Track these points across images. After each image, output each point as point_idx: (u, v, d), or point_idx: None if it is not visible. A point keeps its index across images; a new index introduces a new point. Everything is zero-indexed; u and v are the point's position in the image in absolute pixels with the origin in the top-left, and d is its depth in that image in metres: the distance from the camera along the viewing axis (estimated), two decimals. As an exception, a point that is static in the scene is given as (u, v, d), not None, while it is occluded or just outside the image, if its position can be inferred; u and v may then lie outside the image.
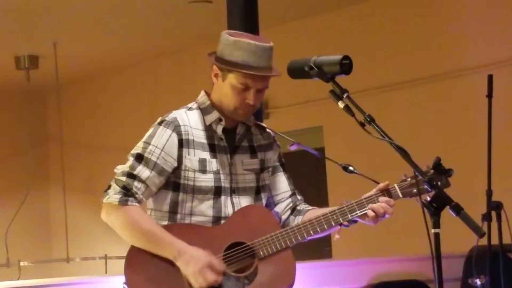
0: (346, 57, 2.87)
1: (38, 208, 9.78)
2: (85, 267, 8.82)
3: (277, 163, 3.26)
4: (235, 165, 3.14)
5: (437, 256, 2.57)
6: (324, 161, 7.61)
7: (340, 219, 3.02)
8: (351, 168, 3.12)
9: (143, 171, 3.04)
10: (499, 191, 4.48)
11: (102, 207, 3.07)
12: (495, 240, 4.40)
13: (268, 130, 3.27)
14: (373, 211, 2.98)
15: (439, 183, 2.88)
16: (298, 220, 3.19)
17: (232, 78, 3.04)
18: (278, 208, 3.24)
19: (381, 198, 2.99)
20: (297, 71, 2.96)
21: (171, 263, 3.00)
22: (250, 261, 3.02)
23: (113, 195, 3.03)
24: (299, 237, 3.04)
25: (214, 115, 3.11)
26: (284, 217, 3.23)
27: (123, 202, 3.02)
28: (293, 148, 3.33)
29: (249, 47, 3.02)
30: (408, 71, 7.04)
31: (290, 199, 3.25)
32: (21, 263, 8.04)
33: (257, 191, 3.19)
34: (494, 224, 4.36)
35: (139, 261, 3.04)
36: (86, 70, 9.33)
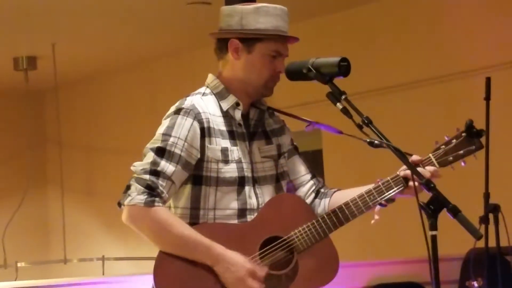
0: (344, 59, 2.88)
1: (36, 209, 9.77)
2: (83, 268, 8.81)
3: (291, 147, 3.10)
4: (253, 152, 2.96)
5: (435, 259, 2.57)
6: (321, 157, 7.59)
7: (378, 198, 2.89)
8: (376, 142, 2.82)
9: (167, 167, 2.80)
10: (496, 194, 4.48)
11: (123, 210, 2.83)
12: (492, 243, 4.40)
13: (276, 113, 3.12)
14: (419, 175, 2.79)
15: (472, 148, 2.86)
16: (324, 203, 3.03)
17: (263, 47, 2.91)
18: (300, 192, 3.06)
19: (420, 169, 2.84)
20: (295, 73, 2.96)
21: (205, 268, 2.80)
22: (289, 256, 2.87)
23: (137, 196, 2.78)
24: (337, 224, 2.89)
25: (231, 99, 2.93)
26: (308, 201, 3.04)
27: (149, 204, 2.77)
28: (309, 129, 3.08)
29: (275, 11, 2.93)
30: (405, 74, 7.04)
31: (311, 182, 3.07)
32: (19, 264, 8.03)
33: (277, 179, 3.01)
34: (491, 226, 4.36)
35: (170, 265, 2.82)
36: (84, 72, 9.33)
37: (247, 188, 2.92)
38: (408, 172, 2.85)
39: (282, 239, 2.87)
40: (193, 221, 2.90)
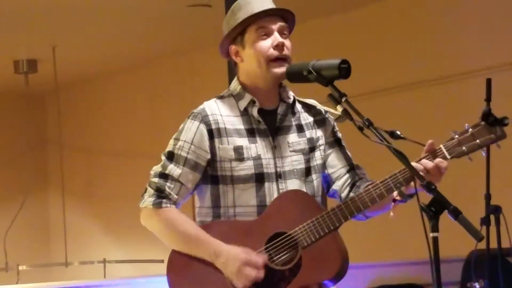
0: (344, 61, 2.87)
1: (37, 212, 9.78)
2: (84, 271, 8.82)
3: (331, 139, 3.08)
4: (279, 147, 2.98)
5: (436, 260, 2.56)
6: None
7: (385, 193, 2.85)
8: (398, 132, 2.77)
9: (174, 169, 2.94)
10: (497, 195, 4.48)
11: (140, 211, 2.99)
12: (493, 244, 4.40)
13: (318, 107, 3.11)
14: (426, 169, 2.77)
15: (492, 135, 2.74)
16: None
17: (250, 35, 2.96)
18: (336, 186, 3.05)
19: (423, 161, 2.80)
20: (296, 75, 2.96)
21: (212, 264, 2.90)
22: (293, 252, 2.88)
23: (148, 198, 2.96)
24: (342, 219, 2.87)
25: (247, 98, 2.98)
26: (343, 195, 3.03)
27: (157, 205, 2.94)
28: (340, 121, 2.94)
29: (246, 1, 2.98)
30: (406, 75, 7.05)
31: (348, 175, 3.04)
32: (20, 267, 8.03)
33: (307, 172, 3.01)
34: (492, 228, 4.36)
35: (181, 263, 2.95)
36: (85, 74, 9.34)
37: (267, 185, 2.95)
38: (417, 164, 2.82)
39: (286, 234, 2.89)
40: (216, 219, 2.99)
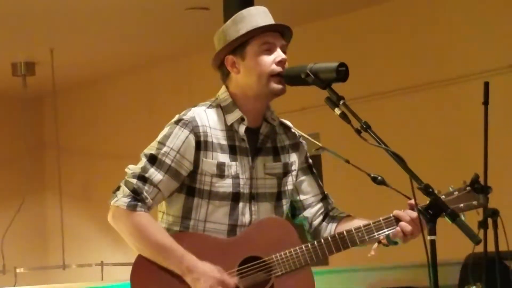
0: (342, 64, 2.87)
1: (34, 215, 9.77)
2: (81, 273, 8.81)
3: (305, 165, 3.09)
4: (256, 168, 2.95)
5: (433, 263, 2.57)
6: (320, 163, 7.60)
7: (366, 238, 2.89)
8: (380, 178, 2.85)
9: (155, 174, 2.85)
10: (495, 199, 4.48)
11: (109, 208, 2.90)
12: (491, 248, 4.40)
13: (293, 130, 3.10)
14: (401, 228, 2.84)
15: (470, 203, 2.83)
16: (331, 227, 3.02)
17: (253, 47, 2.91)
18: (308, 213, 3.06)
19: (408, 211, 2.83)
20: (294, 78, 2.95)
21: (180, 277, 2.81)
22: (266, 278, 2.86)
23: (122, 198, 2.85)
24: (320, 255, 2.89)
25: (236, 114, 2.93)
26: (315, 222, 3.05)
27: (131, 207, 2.83)
28: (320, 152, 3.04)
29: (250, 12, 2.94)
30: (404, 78, 7.05)
31: (321, 204, 3.07)
32: (17, 270, 8.03)
33: (278, 197, 3.00)
34: (490, 231, 4.36)
35: (147, 270, 2.85)
36: (82, 77, 9.34)
37: (241, 205, 2.92)
38: (400, 212, 2.86)
39: (262, 260, 2.87)
40: (183, 230, 2.93)
